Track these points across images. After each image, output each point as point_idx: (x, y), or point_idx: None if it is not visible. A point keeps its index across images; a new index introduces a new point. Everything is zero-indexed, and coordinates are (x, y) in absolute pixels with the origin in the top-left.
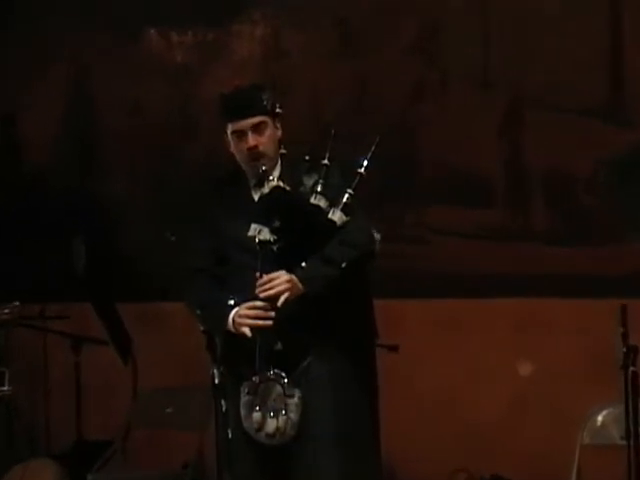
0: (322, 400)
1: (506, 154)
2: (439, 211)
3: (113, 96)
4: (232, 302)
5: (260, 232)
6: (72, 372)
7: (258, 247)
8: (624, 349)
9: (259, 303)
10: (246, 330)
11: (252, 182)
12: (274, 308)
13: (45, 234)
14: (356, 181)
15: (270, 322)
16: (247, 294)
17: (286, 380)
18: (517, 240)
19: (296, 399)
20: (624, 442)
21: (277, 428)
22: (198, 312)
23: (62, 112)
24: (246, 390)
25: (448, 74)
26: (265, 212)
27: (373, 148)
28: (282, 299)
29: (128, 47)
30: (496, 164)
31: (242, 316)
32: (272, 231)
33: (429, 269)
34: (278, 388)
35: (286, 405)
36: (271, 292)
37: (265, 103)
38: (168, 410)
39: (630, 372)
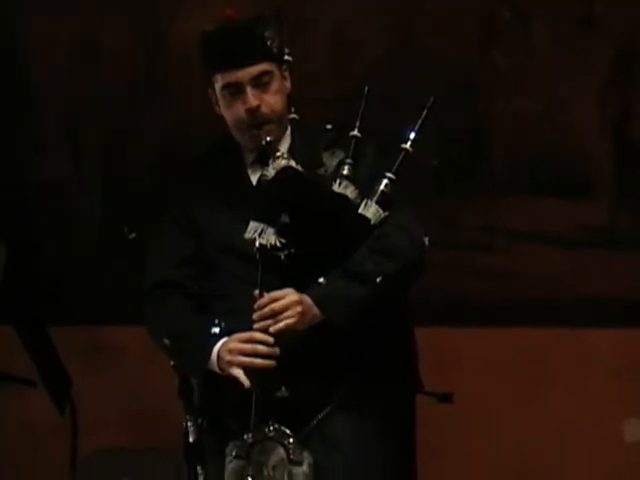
0: (342, 469)
1: (614, 123)
2: (516, 206)
3: (48, 37)
4: (217, 330)
5: (262, 233)
6: None
7: (258, 254)
8: None
9: (258, 334)
10: (239, 373)
11: (250, 159)
12: (279, 341)
13: None
14: (399, 161)
15: (273, 362)
16: (240, 320)
17: (292, 440)
18: (629, 248)
19: (305, 467)
20: None
21: None
22: (166, 342)
23: None
24: (234, 452)
25: (530, 9)
26: (268, 203)
27: (424, 114)
28: (281, 325)
29: None
30: (599, 137)
31: (233, 351)
32: (278, 232)
33: (500, 288)
34: (280, 451)
35: (291, 475)
36: (270, 322)
37: (270, 44)
38: None
39: None
